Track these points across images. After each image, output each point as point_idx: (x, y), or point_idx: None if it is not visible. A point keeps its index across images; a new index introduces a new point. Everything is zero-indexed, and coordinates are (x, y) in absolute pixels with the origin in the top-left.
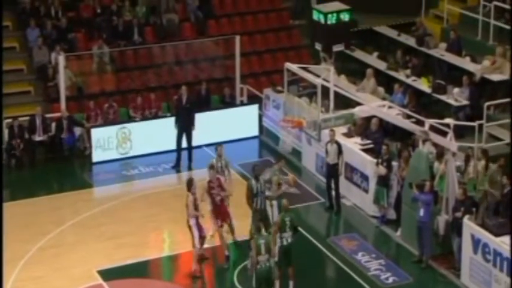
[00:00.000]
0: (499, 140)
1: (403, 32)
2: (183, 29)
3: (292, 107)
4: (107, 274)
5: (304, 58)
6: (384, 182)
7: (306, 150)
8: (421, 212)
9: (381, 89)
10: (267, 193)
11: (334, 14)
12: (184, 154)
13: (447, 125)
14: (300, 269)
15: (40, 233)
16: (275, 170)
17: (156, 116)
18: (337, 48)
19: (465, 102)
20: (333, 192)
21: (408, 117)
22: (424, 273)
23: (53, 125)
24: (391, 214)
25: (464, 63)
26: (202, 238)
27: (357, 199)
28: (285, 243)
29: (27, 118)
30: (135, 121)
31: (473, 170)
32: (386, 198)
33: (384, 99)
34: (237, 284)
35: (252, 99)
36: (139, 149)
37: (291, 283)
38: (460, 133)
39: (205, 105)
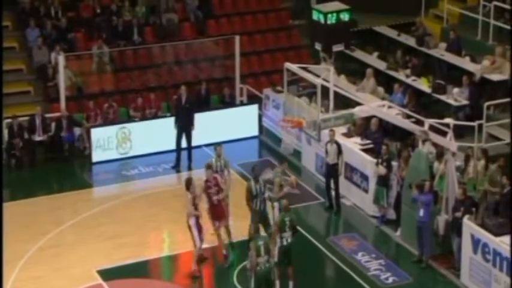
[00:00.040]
0: (499, 140)
1: (403, 32)
2: (182, 29)
3: (292, 107)
4: (107, 274)
5: (304, 58)
6: (383, 182)
7: (306, 150)
8: (421, 212)
9: (380, 89)
10: (268, 194)
11: (334, 14)
12: (184, 154)
13: (447, 125)
14: (299, 269)
15: (40, 233)
16: (278, 171)
17: (155, 116)
18: (337, 48)
19: (465, 102)
20: (333, 192)
21: (408, 117)
22: (424, 273)
23: (53, 124)
24: (391, 214)
25: (464, 63)
26: (201, 239)
27: (357, 199)
28: (285, 243)
29: (27, 118)
30: (134, 121)
31: (473, 170)
32: (386, 198)
33: (383, 99)
34: (236, 284)
35: (252, 99)
36: (139, 149)
37: (290, 283)
38: (460, 133)
39: (205, 105)
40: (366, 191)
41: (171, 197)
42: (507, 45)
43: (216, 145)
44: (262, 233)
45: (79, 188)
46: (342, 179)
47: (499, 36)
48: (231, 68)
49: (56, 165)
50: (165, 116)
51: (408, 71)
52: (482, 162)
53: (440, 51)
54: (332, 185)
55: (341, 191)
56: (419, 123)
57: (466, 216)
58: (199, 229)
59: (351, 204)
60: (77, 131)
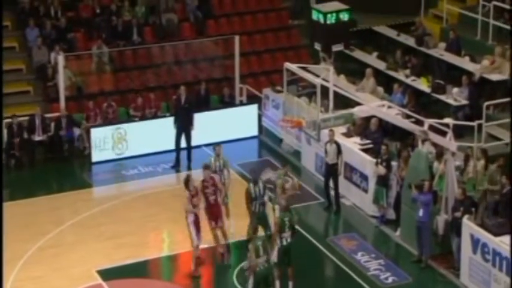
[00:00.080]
0: (499, 139)
1: (403, 32)
2: (182, 29)
3: (291, 107)
4: (107, 274)
5: (304, 58)
6: (383, 181)
7: (306, 150)
8: (421, 212)
9: (380, 89)
10: (269, 194)
11: (334, 14)
12: (184, 154)
13: (446, 125)
14: (299, 269)
15: (39, 233)
16: (280, 174)
17: (154, 116)
18: (337, 48)
19: (464, 102)
20: (332, 192)
21: (407, 117)
22: (424, 273)
23: (52, 124)
24: (391, 214)
25: (464, 63)
26: (199, 238)
27: (357, 199)
28: (284, 243)
29: (26, 118)
30: (134, 121)
31: (473, 169)
32: (386, 198)
33: (383, 99)
34: (236, 284)
35: (252, 99)
36: (136, 150)
37: (290, 283)
38: (460, 133)
39: (205, 105)
40: (366, 191)
41: (171, 197)
42: (506, 45)
43: (215, 145)
44: (261, 234)
45: (79, 188)
46: (341, 179)
47: (498, 36)
48: (230, 68)
49: (56, 165)
50: (164, 116)
51: (408, 71)
52: (482, 162)
53: (439, 51)
54: (331, 185)
55: (341, 191)
56: (418, 123)
57: (466, 216)
58: (198, 228)
59: (350, 204)
60: (77, 131)
